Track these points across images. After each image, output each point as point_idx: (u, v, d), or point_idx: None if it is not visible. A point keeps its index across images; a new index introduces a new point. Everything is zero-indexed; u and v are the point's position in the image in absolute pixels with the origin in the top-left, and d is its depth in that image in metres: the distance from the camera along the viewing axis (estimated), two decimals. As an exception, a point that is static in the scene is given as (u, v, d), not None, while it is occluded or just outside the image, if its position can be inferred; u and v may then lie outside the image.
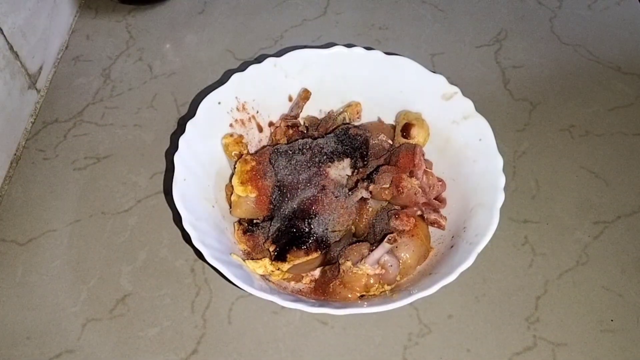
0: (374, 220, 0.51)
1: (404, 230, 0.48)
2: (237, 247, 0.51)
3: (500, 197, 0.47)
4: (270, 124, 0.58)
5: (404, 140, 0.54)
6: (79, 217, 0.56)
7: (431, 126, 0.55)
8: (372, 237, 0.49)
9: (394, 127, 0.57)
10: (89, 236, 0.55)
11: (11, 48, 0.59)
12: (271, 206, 0.51)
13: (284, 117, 0.58)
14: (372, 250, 0.47)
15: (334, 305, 0.45)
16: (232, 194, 0.52)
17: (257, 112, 0.57)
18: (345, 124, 0.56)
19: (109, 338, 0.50)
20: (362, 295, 0.47)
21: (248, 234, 0.51)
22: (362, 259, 0.47)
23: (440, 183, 0.53)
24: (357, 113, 0.58)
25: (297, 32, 0.71)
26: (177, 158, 0.50)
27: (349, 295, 0.47)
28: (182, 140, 0.51)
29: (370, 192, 0.51)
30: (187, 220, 0.47)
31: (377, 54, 0.56)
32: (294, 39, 0.70)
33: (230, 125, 0.56)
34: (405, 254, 0.48)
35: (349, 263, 0.47)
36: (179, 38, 0.71)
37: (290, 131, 0.56)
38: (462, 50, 0.69)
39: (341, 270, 0.47)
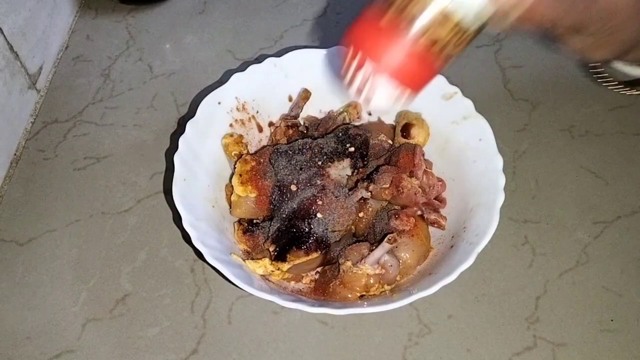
0: (374, 220, 0.51)
1: (404, 230, 0.48)
2: (237, 247, 0.51)
3: (500, 197, 0.47)
4: (270, 124, 0.58)
5: (404, 140, 0.54)
6: (79, 217, 0.56)
7: (431, 126, 0.55)
8: (372, 237, 0.49)
9: (394, 127, 0.57)
10: (88, 236, 0.55)
11: (11, 48, 0.59)
12: (271, 206, 0.51)
13: (284, 117, 0.58)
14: (372, 250, 0.47)
15: (334, 305, 0.45)
16: (232, 194, 0.52)
17: (257, 112, 0.57)
18: (345, 124, 0.56)
19: (109, 338, 0.50)
20: (362, 295, 0.47)
21: (248, 234, 0.51)
22: (362, 259, 0.47)
23: (440, 183, 0.53)
24: (357, 113, 0.58)
25: (297, 32, 0.71)
26: (177, 158, 0.50)
27: (349, 295, 0.47)
28: (182, 140, 0.51)
29: (370, 192, 0.51)
30: (187, 220, 0.47)
31: (377, 54, 0.56)
32: (294, 39, 0.70)
33: (230, 125, 0.56)
34: (405, 254, 0.48)
35: (349, 263, 0.47)
36: (179, 38, 0.71)
37: (290, 131, 0.56)
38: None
39: (341, 270, 0.47)
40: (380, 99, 0.39)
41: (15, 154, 0.61)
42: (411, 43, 0.36)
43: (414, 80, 0.39)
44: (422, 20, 0.35)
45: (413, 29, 0.36)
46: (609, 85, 0.53)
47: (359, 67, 0.38)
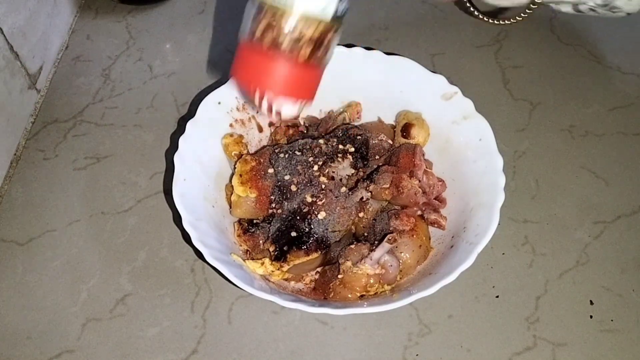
0: (374, 220, 0.51)
1: (404, 230, 0.48)
2: (237, 247, 0.51)
3: (500, 197, 0.47)
4: (270, 124, 0.58)
5: (404, 140, 0.54)
6: (79, 217, 0.56)
7: (431, 126, 0.55)
8: (372, 237, 0.49)
9: (394, 127, 0.57)
10: (88, 236, 0.55)
11: (11, 48, 0.59)
12: (271, 206, 0.51)
13: (284, 117, 0.58)
14: (372, 250, 0.47)
15: (334, 305, 0.45)
16: (232, 194, 0.52)
17: (257, 112, 0.57)
18: (345, 124, 0.56)
19: (109, 338, 0.50)
20: (362, 295, 0.47)
21: (248, 234, 0.51)
22: (362, 259, 0.47)
23: (441, 183, 0.53)
24: (357, 113, 0.58)
25: (297, 32, 0.71)
26: (177, 158, 0.50)
27: (349, 295, 0.47)
28: (182, 140, 0.51)
29: (370, 192, 0.51)
30: (187, 220, 0.47)
31: (377, 54, 0.56)
32: (294, 39, 0.70)
33: (230, 125, 0.56)
34: (405, 254, 0.48)
35: (349, 263, 0.47)
36: (179, 38, 0.71)
37: (290, 131, 0.56)
38: (462, 50, 0.69)
39: (341, 270, 0.47)
40: (287, 111, 0.43)
41: (15, 154, 0.61)
42: (289, 58, 0.40)
43: (304, 89, 0.43)
44: (290, 33, 0.39)
45: (285, 44, 0.40)
46: (477, 17, 0.56)
47: (259, 95, 0.42)
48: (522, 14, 0.54)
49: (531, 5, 0.52)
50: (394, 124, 0.57)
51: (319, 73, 0.43)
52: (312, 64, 0.42)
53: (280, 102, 0.42)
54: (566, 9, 0.56)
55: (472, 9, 0.55)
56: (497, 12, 0.57)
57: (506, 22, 0.57)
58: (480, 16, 0.55)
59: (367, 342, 0.49)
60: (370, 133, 0.55)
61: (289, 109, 0.43)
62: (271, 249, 0.50)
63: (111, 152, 0.61)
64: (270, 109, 0.43)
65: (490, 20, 0.57)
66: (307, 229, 0.49)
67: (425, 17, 0.73)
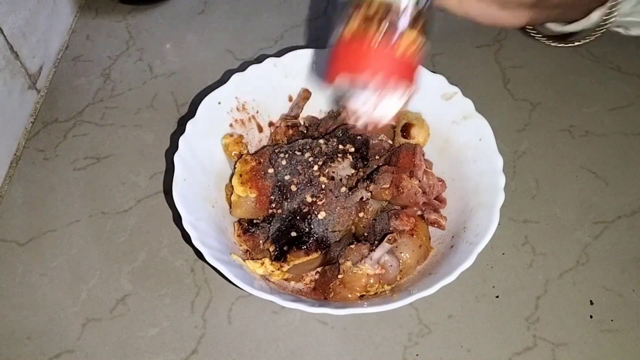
0: (374, 220, 0.51)
1: (404, 230, 0.48)
2: (237, 247, 0.51)
3: (500, 197, 0.47)
4: (270, 124, 0.58)
5: (404, 140, 0.54)
6: (79, 217, 0.56)
7: (431, 126, 0.55)
8: (372, 237, 0.49)
9: (394, 127, 0.57)
10: (89, 236, 0.55)
11: (11, 48, 0.59)
12: (271, 206, 0.51)
13: (284, 117, 0.58)
14: (372, 250, 0.47)
15: (334, 305, 0.45)
16: (232, 194, 0.52)
17: (257, 112, 0.57)
18: (345, 124, 0.56)
19: (109, 338, 0.50)
20: (362, 295, 0.47)
21: (248, 234, 0.51)
22: (362, 259, 0.47)
23: (441, 183, 0.53)
24: (357, 113, 0.58)
25: (297, 32, 0.71)
26: (177, 158, 0.50)
27: (349, 295, 0.47)
28: (182, 140, 0.51)
29: (370, 192, 0.51)
30: (187, 220, 0.47)
31: (377, 54, 0.56)
32: (294, 39, 0.70)
33: (230, 125, 0.56)
34: (405, 254, 0.48)
35: (349, 263, 0.47)
36: (179, 38, 0.71)
37: (290, 131, 0.56)
38: (462, 50, 0.69)
39: (341, 270, 0.47)
40: (390, 107, 0.43)
41: (15, 154, 0.61)
42: (397, 43, 0.40)
43: (411, 74, 0.42)
44: (385, 19, 0.39)
45: (396, 33, 0.40)
46: (541, 40, 0.58)
47: (362, 88, 0.41)
48: (591, 34, 0.55)
49: (600, 25, 0.53)
50: (394, 124, 0.57)
51: (415, 64, 0.43)
52: (415, 50, 0.42)
53: (387, 94, 0.41)
54: (636, 32, 0.56)
55: (537, 36, 0.55)
56: (564, 36, 0.58)
57: (576, 44, 0.57)
58: (547, 42, 0.56)
59: (367, 342, 0.49)
60: (370, 133, 0.55)
61: (395, 102, 0.42)
62: (271, 249, 0.50)
63: (111, 152, 0.61)
64: (373, 105, 0.42)
65: (557, 45, 0.57)
66: (307, 229, 0.49)
67: (425, 17, 0.73)
